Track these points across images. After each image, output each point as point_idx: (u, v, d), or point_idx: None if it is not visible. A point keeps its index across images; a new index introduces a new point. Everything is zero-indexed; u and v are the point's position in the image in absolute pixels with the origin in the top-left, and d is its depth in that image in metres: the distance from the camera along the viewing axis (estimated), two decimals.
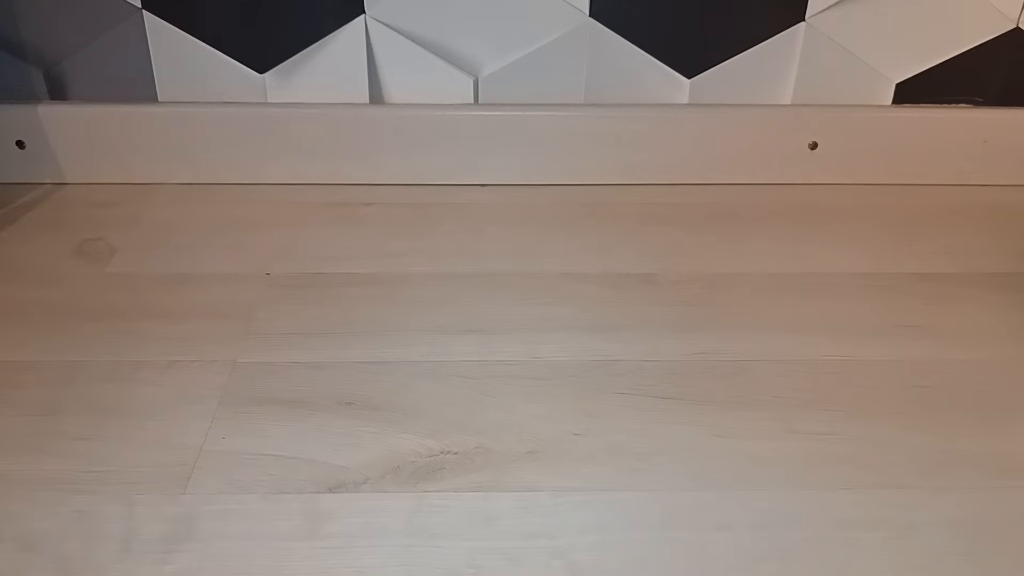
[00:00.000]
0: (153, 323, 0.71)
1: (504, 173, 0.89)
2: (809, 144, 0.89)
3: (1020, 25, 0.85)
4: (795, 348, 0.69)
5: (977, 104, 0.89)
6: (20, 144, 0.87)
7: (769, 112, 0.87)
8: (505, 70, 0.86)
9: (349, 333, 0.70)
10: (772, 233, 0.83)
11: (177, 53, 0.85)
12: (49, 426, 0.62)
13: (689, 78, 0.87)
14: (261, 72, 0.86)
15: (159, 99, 0.87)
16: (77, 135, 0.87)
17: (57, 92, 0.86)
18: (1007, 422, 0.63)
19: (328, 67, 0.86)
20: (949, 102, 0.89)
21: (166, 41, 0.84)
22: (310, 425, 0.62)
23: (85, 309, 0.73)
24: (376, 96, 0.87)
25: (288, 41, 0.84)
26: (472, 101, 0.87)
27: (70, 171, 0.88)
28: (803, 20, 0.85)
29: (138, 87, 0.86)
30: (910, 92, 0.88)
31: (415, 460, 0.60)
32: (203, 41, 0.84)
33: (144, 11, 0.83)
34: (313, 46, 0.85)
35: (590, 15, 0.84)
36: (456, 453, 0.60)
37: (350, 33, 0.84)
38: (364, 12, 0.83)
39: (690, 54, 0.86)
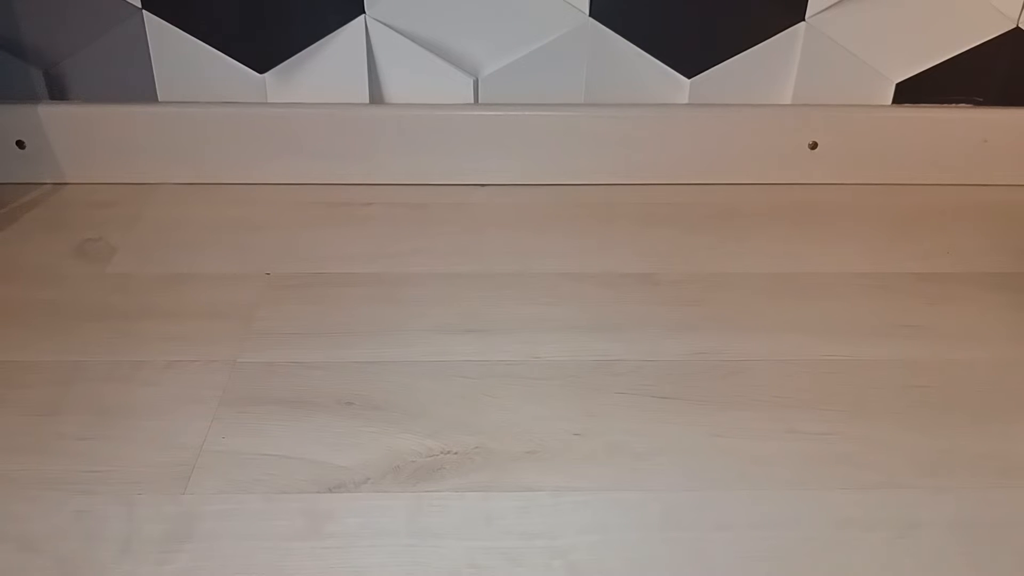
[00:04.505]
0: (153, 323, 0.71)
1: (504, 173, 0.89)
2: (809, 144, 0.89)
3: (1020, 25, 0.85)
4: (795, 348, 0.69)
5: (977, 104, 0.89)
6: (20, 144, 0.87)
7: (769, 112, 0.87)
8: (505, 70, 0.86)
9: (349, 333, 0.70)
10: (772, 233, 0.83)
11: (177, 53, 0.85)
12: (49, 426, 0.62)
13: (689, 78, 0.87)
14: (261, 72, 0.86)
15: (159, 99, 0.87)
16: (77, 135, 0.87)
17: (57, 92, 0.86)
18: (1007, 422, 0.63)
19: (328, 67, 0.86)
20: (949, 102, 0.89)
21: (166, 41, 0.84)
22: (310, 425, 0.62)
23: (85, 309, 0.73)
24: (376, 96, 0.87)
25: (288, 41, 0.84)
26: (472, 101, 0.87)
27: (70, 171, 0.88)
28: (803, 20, 0.85)
29: (138, 87, 0.86)
30: (910, 92, 0.88)
31: (415, 460, 0.60)
32: (203, 41, 0.84)
33: (144, 11, 0.83)
34: (313, 46, 0.85)
35: (590, 15, 0.84)
36: (456, 453, 0.60)
37: (350, 33, 0.84)
38: (364, 12, 0.83)
39: (690, 54, 0.86)
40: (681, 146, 0.88)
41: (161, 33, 0.84)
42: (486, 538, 0.55)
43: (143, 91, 0.86)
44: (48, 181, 0.89)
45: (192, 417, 0.63)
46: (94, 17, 0.83)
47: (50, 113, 0.86)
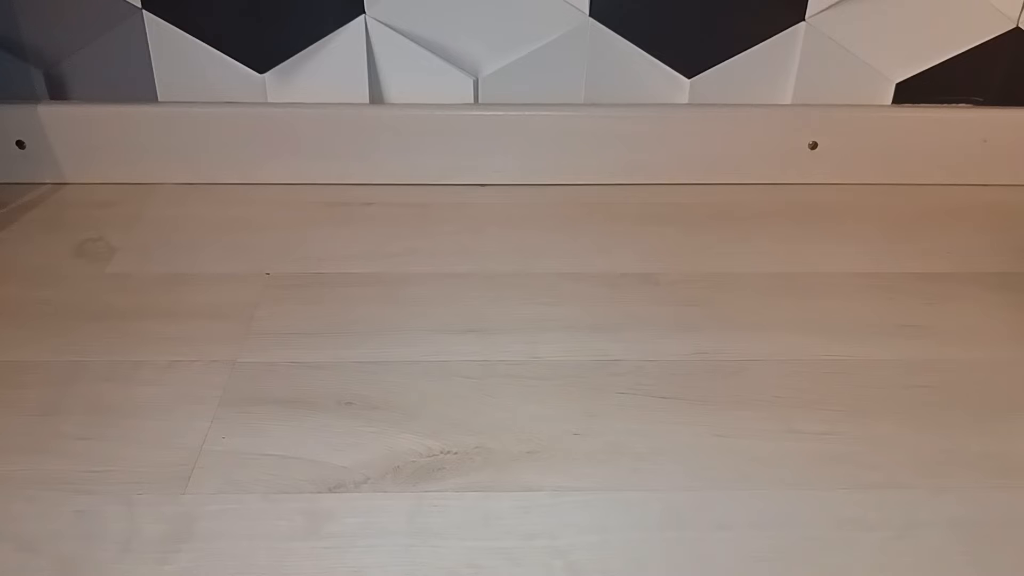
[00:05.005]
0: (153, 323, 0.71)
1: (504, 173, 0.89)
2: (809, 144, 0.89)
3: (1020, 25, 0.85)
4: (795, 348, 0.69)
5: (977, 104, 0.89)
6: (20, 144, 0.87)
7: (769, 112, 0.87)
8: (505, 70, 0.86)
9: (349, 333, 0.70)
10: (772, 233, 0.83)
11: (177, 53, 0.85)
12: (49, 426, 0.62)
13: (689, 78, 0.87)
14: (261, 72, 0.86)
15: (159, 99, 0.87)
16: (77, 135, 0.87)
17: (57, 92, 0.86)
18: (1007, 421, 0.63)
19: (328, 67, 0.86)
20: (949, 102, 0.89)
21: (166, 41, 0.84)
22: (310, 425, 0.62)
23: (85, 309, 0.73)
24: (376, 96, 0.87)
25: (288, 41, 0.84)
26: (472, 101, 0.87)
27: (70, 171, 0.88)
28: (803, 20, 0.85)
29: (138, 87, 0.86)
30: (910, 92, 0.88)
31: (415, 460, 0.60)
32: (203, 41, 0.84)
33: (144, 11, 0.83)
34: (313, 46, 0.85)
35: (590, 15, 0.84)
36: (456, 453, 0.60)
37: (350, 33, 0.84)
38: (364, 12, 0.83)
39: (690, 54, 0.86)
40: (681, 146, 0.88)
41: (161, 33, 0.84)
42: (486, 538, 0.55)
43: (143, 91, 0.86)
44: (48, 181, 0.89)
45: (192, 417, 0.63)
46: (94, 17, 0.83)
47: (50, 113, 0.86)
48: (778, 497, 0.57)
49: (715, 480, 0.59)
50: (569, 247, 0.81)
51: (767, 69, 0.87)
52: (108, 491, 0.57)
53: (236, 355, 0.68)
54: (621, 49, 0.86)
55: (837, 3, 0.84)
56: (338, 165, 0.88)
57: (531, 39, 0.85)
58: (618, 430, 0.62)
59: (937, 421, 0.63)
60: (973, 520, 0.56)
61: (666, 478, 0.59)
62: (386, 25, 0.84)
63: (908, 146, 0.89)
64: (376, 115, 0.86)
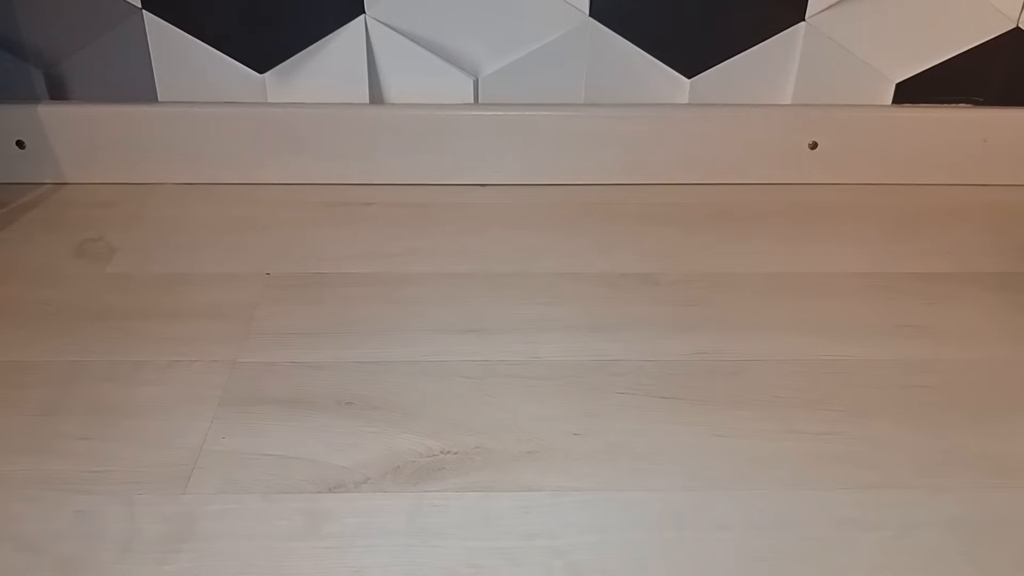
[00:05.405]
0: (153, 323, 0.71)
1: (504, 173, 0.89)
2: (809, 144, 0.89)
3: (1020, 25, 0.85)
4: (795, 348, 0.69)
5: (977, 104, 0.89)
6: (20, 144, 0.87)
7: (769, 112, 0.87)
8: (505, 70, 0.86)
9: (349, 333, 0.70)
10: (772, 233, 0.83)
11: (177, 53, 0.85)
12: (49, 426, 0.62)
13: (689, 78, 0.87)
14: (261, 72, 0.86)
15: (159, 99, 0.87)
16: (77, 135, 0.87)
17: (57, 92, 0.86)
18: (1006, 422, 0.63)
19: (328, 67, 0.86)
20: (949, 102, 0.89)
21: (166, 41, 0.84)
22: (310, 425, 0.62)
23: (85, 309, 0.73)
24: (376, 96, 0.87)
25: (288, 41, 0.85)
26: (472, 101, 0.87)
27: (70, 171, 0.88)
28: (803, 20, 0.85)
29: (138, 87, 0.86)
30: (910, 92, 0.88)
31: (415, 460, 0.60)
32: (203, 41, 0.84)
33: (144, 11, 0.83)
34: (313, 46, 0.85)
35: (590, 15, 0.84)
36: (456, 453, 0.60)
37: (350, 33, 0.84)
38: (364, 12, 0.83)
39: (690, 54, 0.86)
40: (681, 146, 0.88)
41: (161, 33, 0.84)
42: (486, 538, 0.55)
43: (143, 91, 0.86)
44: (48, 181, 0.89)
45: (192, 417, 0.63)
46: (94, 17, 0.83)
47: (50, 113, 0.86)
48: (777, 497, 0.57)
49: (715, 480, 0.59)
50: (569, 247, 0.81)
51: (767, 69, 0.87)
52: (108, 491, 0.57)
53: (236, 355, 0.68)
54: (621, 49, 0.86)
55: (837, 3, 0.84)
56: (338, 165, 0.88)
57: (531, 39, 0.85)
58: (618, 430, 0.62)
59: (936, 421, 0.63)
60: (971, 520, 0.56)
61: (666, 478, 0.59)
62: (386, 25, 0.84)
63: (908, 146, 0.89)
64: (376, 115, 0.86)
